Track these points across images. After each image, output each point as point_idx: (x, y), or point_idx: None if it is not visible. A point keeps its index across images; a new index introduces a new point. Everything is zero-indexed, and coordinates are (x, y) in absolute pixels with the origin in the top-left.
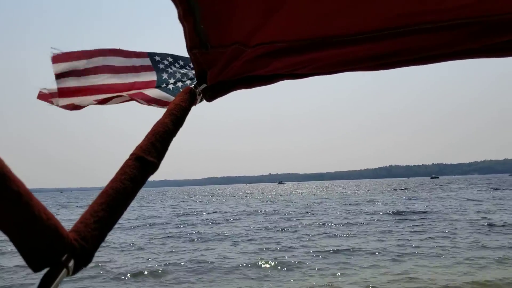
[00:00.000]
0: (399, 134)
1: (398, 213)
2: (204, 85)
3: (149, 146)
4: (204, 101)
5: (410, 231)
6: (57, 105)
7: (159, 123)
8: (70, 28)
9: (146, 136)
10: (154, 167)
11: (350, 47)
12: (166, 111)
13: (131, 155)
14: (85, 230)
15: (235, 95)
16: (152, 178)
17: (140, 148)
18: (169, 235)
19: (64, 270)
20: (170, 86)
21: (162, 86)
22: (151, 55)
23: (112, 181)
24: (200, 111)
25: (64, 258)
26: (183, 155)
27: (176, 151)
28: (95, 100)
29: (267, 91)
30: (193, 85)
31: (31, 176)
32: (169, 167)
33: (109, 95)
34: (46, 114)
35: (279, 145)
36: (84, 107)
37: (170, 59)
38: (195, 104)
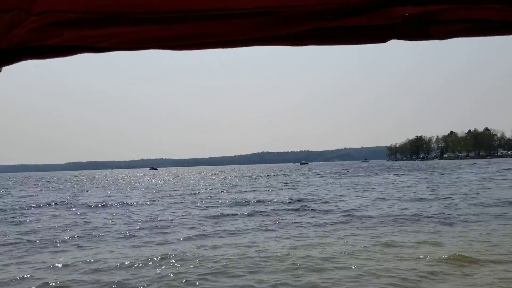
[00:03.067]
0: (270, 123)
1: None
2: None
3: None
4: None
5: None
6: None
7: None
8: None
9: None
10: None
11: (148, 25)
12: None
13: None
14: None
15: (111, 70)
16: (5, 162)
17: None
18: None
19: None
20: None
21: None
22: None
23: None
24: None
25: None
26: (43, 136)
27: (35, 130)
28: None
29: (141, 76)
30: None
31: None
32: (28, 149)
33: None
34: None
35: (152, 129)
36: None
37: None
38: None
